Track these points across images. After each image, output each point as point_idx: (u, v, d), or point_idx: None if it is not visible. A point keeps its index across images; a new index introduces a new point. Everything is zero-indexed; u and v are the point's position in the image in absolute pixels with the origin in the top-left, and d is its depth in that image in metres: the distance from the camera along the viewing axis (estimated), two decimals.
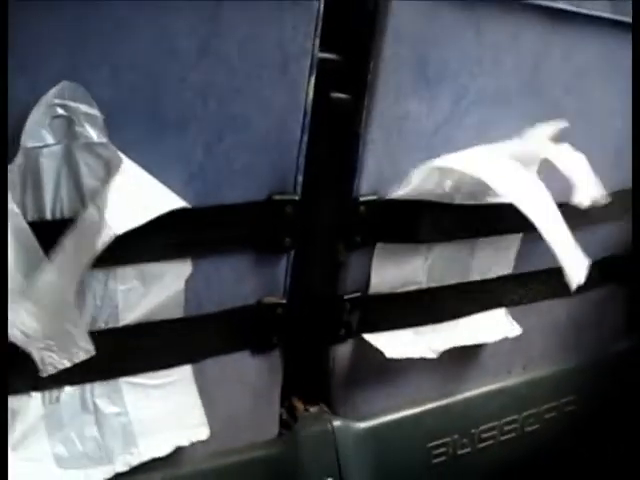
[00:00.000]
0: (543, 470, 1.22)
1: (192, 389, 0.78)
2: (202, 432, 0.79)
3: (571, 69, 0.90)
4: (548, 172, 0.94)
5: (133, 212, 0.64)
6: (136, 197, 0.65)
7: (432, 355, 0.93)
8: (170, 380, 0.77)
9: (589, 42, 0.86)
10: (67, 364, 0.67)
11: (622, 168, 1.04)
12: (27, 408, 0.69)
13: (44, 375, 0.66)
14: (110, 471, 0.72)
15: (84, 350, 0.67)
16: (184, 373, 0.78)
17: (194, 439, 0.78)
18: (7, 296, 0.61)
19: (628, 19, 0.90)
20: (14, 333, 0.63)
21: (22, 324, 0.63)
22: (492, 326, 1.02)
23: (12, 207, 0.60)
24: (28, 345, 0.64)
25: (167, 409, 0.77)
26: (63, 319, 0.65)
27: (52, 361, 0.66)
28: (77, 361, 0.67)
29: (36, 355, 0.65)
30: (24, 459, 0.68)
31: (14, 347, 0.65)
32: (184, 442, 0.77)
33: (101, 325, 0.70)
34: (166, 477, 0.80)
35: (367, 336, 0.90)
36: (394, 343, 0.91)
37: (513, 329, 1.04)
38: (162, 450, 0.76)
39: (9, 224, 0.60)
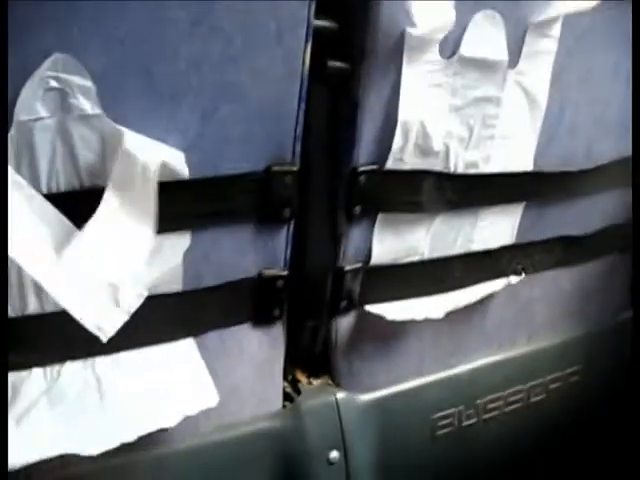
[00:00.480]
0: (549, 440, 1.22)
1: (197, 359, 0.78)
2: (211, 399, 0.77)
3: (573, 33, 0.88)
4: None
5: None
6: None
7: (436, 315, 0.92)
8: (174, 353, 0.77)
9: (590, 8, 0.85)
10: (126, 317, 0.67)
11: (623, 136, 1.03)
12: (28, 383, 0.69)
13: (104, 340, 0.66)
14: (116, 441, 0.72)
15: (136, 294, 0.67)
16: (187, 345, 0.78)
17: (204, 407, 0.77)
18: (7, 293, 0.62)
19: None
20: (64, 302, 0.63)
21: (67, 291, 0.63)
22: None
23: (19, 179, 0.60)
24: (80, 317, 0.64)
25: (172, 380, 0.76)
26: (107, 274, 0.65)
27: (110, 323, 0.66)
28: (133, 310, 0.67)
29: (91, 325, 0.65)
30: (26, 433, 0.68)
31: (14, 323, 0.65)
32: (193, 411, 0.76)
33: None
34: (171, 450, 0.80)
35: (368, 306, 0.90)
36: (396, 308, 0.90)
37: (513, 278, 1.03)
38: (171, 421, 0.74)
39: (23, 200, 0.60)
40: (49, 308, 0.67)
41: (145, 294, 0.68)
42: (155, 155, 0.65)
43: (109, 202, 0.64)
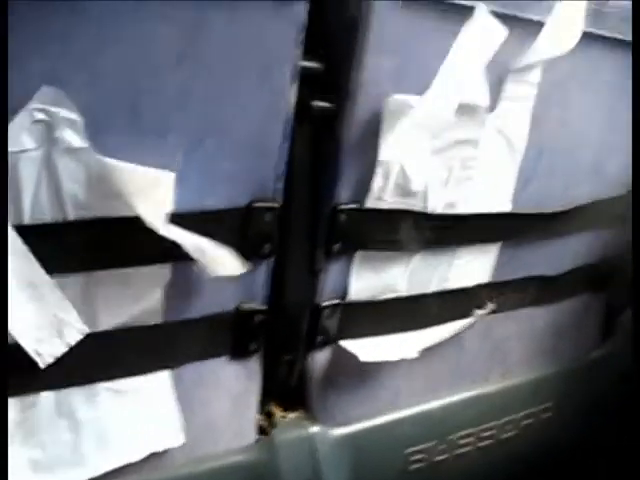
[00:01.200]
0: (520, 477, 1.22)
1: (169, 395, 0.78)
2: (177, 439, 0.79)
3: (551, 79, 0.90)
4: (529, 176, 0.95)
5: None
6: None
7: (410, 355, 0.93)
8: (147, 386, 0.77)
9: (569, 53, 0.86)
10: (64, 348, 0.67)
11: (599, 179, 1.06)
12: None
13: (42, 367, 0.66)
14: (84, 475, 0.72)
15: (77, 330, 0.67)
16: (162, 379, 0.78)
17: (169, 445, 0.78)
18: (7, 297, 0.61)
19: (607, 33, 0.91)
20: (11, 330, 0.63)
21: (16, 319, 0.63)
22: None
23: None
24: (21, 339, 0.64)
25: (143, 415, 0.77)
26: (51, 307, 0.65)
27: (48, 350, 0.66)
28: (73, 343, 0.67)
29: (30, 349, 0.65)
30: None
31: None
32: (159, 448, 0.77)
33: None
34: None
35: (344, 342, 0.91)
36: (370, 347, 0.91)
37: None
38: (136, 455, 0.76)
39: None
40: None
41: (87, 331, 0.68)
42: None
43: None
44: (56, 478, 0.71)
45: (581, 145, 1.02)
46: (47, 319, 0.65)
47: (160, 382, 0.78)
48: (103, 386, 0.74)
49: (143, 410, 0.77)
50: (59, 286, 0.66)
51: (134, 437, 0.76)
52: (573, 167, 1.03)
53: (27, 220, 0.63)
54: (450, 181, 0.88)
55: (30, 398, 0.70)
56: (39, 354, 0.66)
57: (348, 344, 0.90)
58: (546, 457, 1.24)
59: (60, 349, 0.67)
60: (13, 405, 0.69)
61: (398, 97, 0.78)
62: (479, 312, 1.03)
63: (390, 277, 0.90)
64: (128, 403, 0.75)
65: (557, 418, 1.23)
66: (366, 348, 0.91)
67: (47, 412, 0.71)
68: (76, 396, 0.72)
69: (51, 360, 0.67)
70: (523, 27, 0.83)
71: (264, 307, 0.82)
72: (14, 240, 0.61)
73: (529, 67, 0.87)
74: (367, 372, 0.95)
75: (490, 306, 1.05)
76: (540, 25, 0.83)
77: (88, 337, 0.70)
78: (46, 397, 0.71)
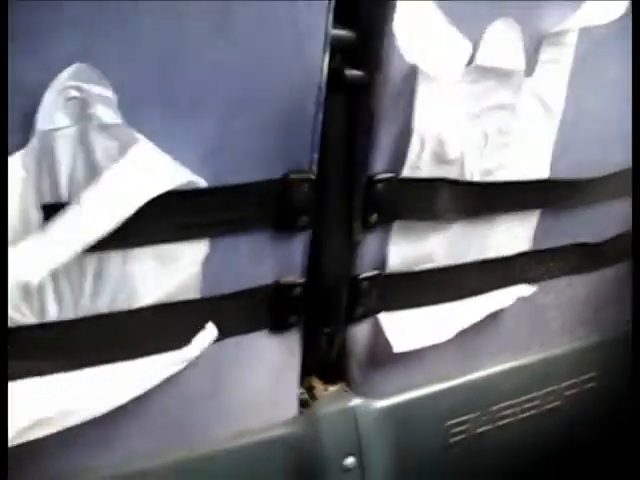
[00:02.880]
0: (564, 448, 1.22)
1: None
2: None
3: (589, 41, 0.88)
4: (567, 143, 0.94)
5: (144, 187, 0.64)
6: (148, 172, 0.65)
7: (445, 338, 0.93)
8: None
9: None
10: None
11: None
12: None
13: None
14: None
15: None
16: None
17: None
18: (7, 295, 0.62)
19: None
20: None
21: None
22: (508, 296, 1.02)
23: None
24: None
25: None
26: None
27: None
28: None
29: None
30: None
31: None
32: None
33: (120, 307, 0.70)
34: (186, 457, 0.81)
35: (382, 320, 0.90)
36: (406, 331, 0.91)
37: (526, 289, 1.03)
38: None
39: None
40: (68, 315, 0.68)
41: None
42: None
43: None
44: None
45: (619, 109, 0.99)
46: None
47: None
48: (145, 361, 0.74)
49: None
50: (97, 264, 0.66)
51: None
52: (612, 132, 1.01)
53: (64, 198, 0.63)
54: (487, 148, 0.86)
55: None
56: None
57: (385, 324, 0.90)
58: (589, 428, 1.23)
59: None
60: None
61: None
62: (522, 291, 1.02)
63: (428, 247, 0.90)
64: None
65: (601, 388, 1.22)
66: (401, 334, 0.90)
67: None
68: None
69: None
70: None
71: (302, 280, 0.82)
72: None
73: (566, 30, 0.85)
74: None
75: (531, 281, 1.04)
76: None
77: (129, 313, 0.71)
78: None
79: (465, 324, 0.95)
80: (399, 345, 0.89)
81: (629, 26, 0.90)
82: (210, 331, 0.76)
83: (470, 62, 0.80)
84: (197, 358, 0.77)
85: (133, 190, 0.63)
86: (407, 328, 0.92)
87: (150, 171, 0.65)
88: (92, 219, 0.62)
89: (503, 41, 0.80)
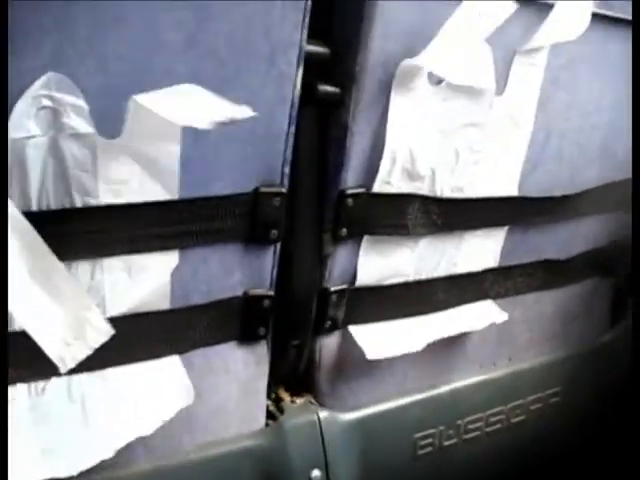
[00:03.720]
0: (529, 461, 1.23)
1: (181, 372, 0.78)
2: (187, 399, 0.77)
3: (558, 61, 0.90)
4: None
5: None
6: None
7: (416, 348, 0.93)
8: (158, 370, 0.77)
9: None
10: (88, 352, 0.65)
11: (607, 162, 1.05)
12: (12, 400, 0.69)
13: (64, 371, 0.65)
14: (94, 459, 0.72)
15: (103, 332, 0.66)
16: (172, 363, 0.78)
17: (179, 407, 0.76)
18: (7, 295, 0.61)
19: (615, 14, 0.91)
20: (29, 328, 0.62)
21: (34, 318, 0.62)
22: (478, 315, 1.03)
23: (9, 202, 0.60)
24: (43, 341, 0.63)
25: (153, 392, 0.76)
26: (77, 306, 0.64)
27: (72, 354, 0.65)
28: (97, 346, 0.66)
29: (54, 353, 0.64)
30: (10, 450, 0.68)
31: None
32: (169, 415, 0.75)
33: None
34: (153, 468, 0.80)
35: (352, 330, 0.91)
36: (377, 341, 0.91)
37: (500, 315, 1.04)
38: (148, 428, 0.74)
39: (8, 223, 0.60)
40: None
41: (112, 332, 0.66)
42: None
43: None
44: (66, 462, 0.71)
45: (589, 128, 1.01)
46: (71, 319, 0.64)
47: (171, 365, 0.77)
48: (113, 371, 0.74)
49: (153, 389, 0.76)
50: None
51: (145, 411, 0.75)
52: (581, 150, 1.02)
53: (34, 206, 0.63)
54: (457, 165, 0.87)
55: (40, 384, 0.70)
56: (62, 359, 0.64)
57: (356, 334, 0.90)
58: (554, 442, 1.24)
59: (84, 352, 0.65)
60: (23, 391, 0.69)
61: (410, 61, 0.77)
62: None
63: (397, 262, 0.90)
64: (139, 384, 0.75)
65: (565, 403, 1.23)
66: (373, 343, 0.91)
67: (57, 398, 0.71)
68: (86, 382, 0.73)
69: (73, 365, 0.65)
70: (534, 9, 0.83)
71: (272, 292, 0.82)
72: (24, 229, 0.61)
73: (535, 50, 0.86)
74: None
75: (498, 297, 1.05)
76: (550, 8, 0.83)
77: None
78: (56, 383, 0.71)
79: (436, 336, 0.96)
80: (372, 353, 0.89)
81: (598, 43, 0.92)
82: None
83: (441, 81, 0.81)
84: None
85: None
86: (378, 338, 0.92)
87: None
88: None
89: (474, 60, 0.81)
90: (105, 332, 0.66)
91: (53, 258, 0.62)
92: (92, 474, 0.73)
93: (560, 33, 0.85)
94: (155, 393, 0.77)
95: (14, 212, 0.60)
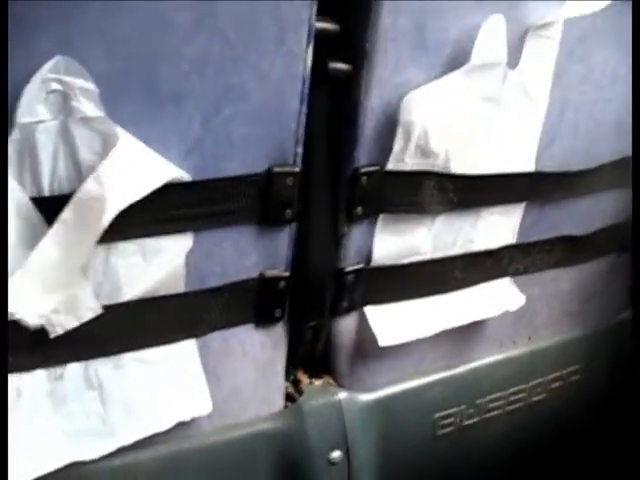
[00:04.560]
0: (550, 440, 1.22)
1: (196, 364, 0.79)
2: (205, 407, 0.79)
3: (574, 35, 0.89)
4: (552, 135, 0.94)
5: (133, 185, 0.64)
6: (135, 170, 0.64)
7: (433, 332, 0.93)
8: (174, 355, 0.77)
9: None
10: (75, 323, 0.68)
11: (623, 136, 1.04)
12: (32, 385, 0.69)
13: (52, 336, 0.67)
14: (113, 444, 0.73)
15: (91, 309, 0.68)
16: (188, 348, 0.78)
17: (196, 414, 0.79)
18: (7, 292, 0.61)
19: None
20: (18, 308, 0.63)
21: (26, 297, 0.63)
22: (494, 299, 1.02)
23: (12, 183, 0.60)
24: (34, 312, 0.64)
25: (170, 384, 0.77)
26: (69, 286, 0.66)
27: (60, 322, 0.67)
28: (85, 320, 0.68)
29: (43, 319, 0.65)
30: (31, 434, 0.69)
31: (18, 326, 0.65)
32: (186, 417, 0.78)
33: (103, 301, 0.70)
34: (172, 451, 0.81)
35: (368, 313, 0.90)
36: (391, 325, 0.91)
37: (516, 300, 1.03)
38: (164, 424, 0.76)
39: (10, 200, 0.60)
40: None
41: (100, 311, 0.69)
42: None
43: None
44: (86, 447, 0.72)
45: (604, 101, 1.00)
46: (63, 295, 0.66)
47: (186, 351, 0.78)
48: (129, 356, 0.74)
49: (170, 379, 0.77)
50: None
51: (161, 406, 0.77)
52: (597, 124, 1.01)
53: (46, 191, 0.63)
54: (472, 141, 0.86)
55: (58, 369, 0.70)
56: (52, 324, 0.67)
57: (371, 318, 0.90)
58: (575, 420, 1.24)
59: (71, 323, 0.68)
60: (42, 376, 0.70)
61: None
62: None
63: (414, 240, 0.90)
64: (155, 373, 0.76)
65: (585, 381, 1.23)
66: (387, 327, 0.91)
67: (75, 383, 0.72)
68: (103, 367, 0.73)
69: (61, 332, 0.68)
70: None
71: (287, 273, 0.82)
72: (31, 214, 0.62)
73: (550, 23, 0.85)
74: None
75: (517, 274, 1.04)
76: None
77: (112, 307, 0.70)
78: (73, 368, 0.72)
79: (453, 323, 0.96)
80: (384, 339, 0.89)
81: (613, 17, 0.90)
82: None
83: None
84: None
85: (122, 189, 0.63)
86: (393, 322, 0.92)
87: (138, 169, 0.64)
88: (85, 219, 0.63)
89: (487, 34, 0.80)
90: (94, 309, 0.69)
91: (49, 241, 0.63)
92: (112, 458, 0.74)
93: (577, 7, 0.84)
94: (173, 393, 0.78)
95: (13, 186, 0.61)
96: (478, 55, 0.79)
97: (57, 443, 0.71)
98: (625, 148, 1.05)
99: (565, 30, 0.87)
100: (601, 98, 0.99)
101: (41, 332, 0.67)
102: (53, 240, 0.62)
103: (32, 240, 0.62)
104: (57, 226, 0.62)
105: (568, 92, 0.94)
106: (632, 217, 0.99)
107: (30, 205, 0.62)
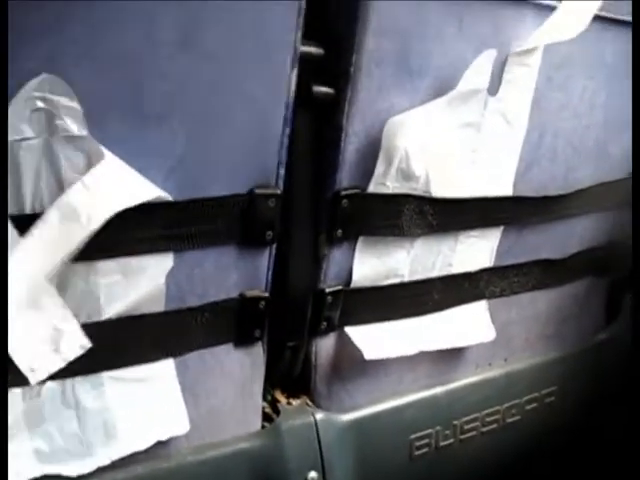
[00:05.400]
0: (525, 461, 1.23)
1: (174, 383, 0.78)
2: (182, 427, 0.79)
3: (553, 62, 0.90)
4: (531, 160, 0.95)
5: (113, 200, 0.64)
6: (114, 188, 0.64)
7: (411, 352, 0.94)
8: (152, 374, 0.77)
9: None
10: (62, 364, 0.66)
11: (601, 162, 1.05)
12: (9, 404, 0.68)
13: (33, 383, 0.65)
14: (91, 465, 0.72)
15: (78, 344, 0.67)
16: (166, 367, 0.78)
17: (174, 433, 0.79)
18: (7, 297, 0.61)
19: (609, 14, 0.91)
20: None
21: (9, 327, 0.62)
22: (470, 327, 1.03)
23: None
24: (14, 353, 0.63)
25: (148, 403, 0.77)
26: (54, 317, 0.65)
27: (44, 366, 0.66)
28: (72, 358, 0.66)
29: (24, 365, 0.64)
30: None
31: None
32: (163, 437, 0.78)
33: (83, 319, 0.69)
34: (150, 470, 0.80)
35: (349, 331, 0.91)
36: (374, 341, 0.91)
37: (489, 332, 1.05)
38: (141, 444, 0.76)
39: None
40: None
41: (88, 346, 0.68)
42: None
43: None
44: (62, 468, 0.71)
45: (583, 128, 1.01)
46: (45, 331, 0.65)
47: (164, 370, 0.78)
48: (108, 375, 0.74)
49: (148, 398, 0.77)
50: (61, 275, 0.66)
51: (139, 426, 0.76)
52: (575, 150, 1.02)
53: (28, 209, 0.63)
54: (452, 165, 0.87)
55: (35, 388, 0.70)
56: (32, 370, 0.65)
57: (353, 335, 0.91)
58: (550, 441, 1.25)
59: (56, 365, 0.66)
60: (18, 395, 0.69)
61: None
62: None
63: (393, 262, 0.90)
64: (133, 392, 0.75)
65: (561, 402, 1.23)
66: (370, 343, 0.91)
67: (52, 402, 0.71)
68: (81, 385, 0.72)
69: (44, 377, 0.66)
70: (530, 9, 0.83)
71: (267, 294, 0.82)
72: (14, 238, 0.61)
73: (530, 50, 0.86)
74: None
75: (493, 296, 1.05)
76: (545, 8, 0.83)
77: (92, 326, 0.70)
78: (51, 387, 0.71)
79: (429, 347, 0.97)
80: (370, 353, 0.90)
81: (592, 43, 0.92)
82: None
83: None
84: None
85: (98, 206, 0.63)
86: (375, 339, 0.92)
87: (116, 187, 0.64)
88: (58, 237, 0.62)
89: (478, 66, 0.82)
90: (81, 345, 0.67)
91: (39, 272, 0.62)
92: (90, 478, 0.73)
93: (556, 34, 0.85)
94: (150, 412, 0.78)
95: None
96: (465, 84, 0.81)
97: (31, 464, 0.70)
98: (603, 174, 1.07)
99: (544, 57, 0.89)
100: (579, 125, 1.01)
101: None
102: (24, 258, 0.62)
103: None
104: (27, 244, 0.62)
105: (547, 118, 0.95)
106: (632, 217, 0.99)
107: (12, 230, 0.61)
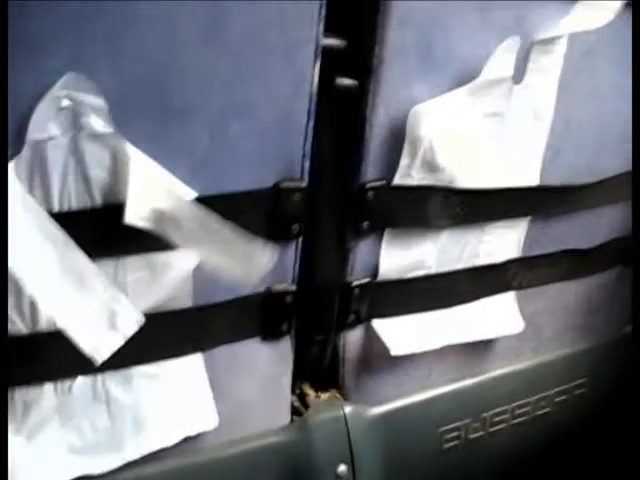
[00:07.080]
0: (555, 453, 1.22)
1: (202, 378, 0.79)
2: (211, 421, 0.80)
3: (577, 49, 0.89)
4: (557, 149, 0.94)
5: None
6: (148, 191, 0.65)
7: (439, 345, 0.93)
8: (181, 369, 0.77)
9: None
10: (122, 341, 0.66)
11: (626, 150, 1.04)
12: (40, 399, 0.69)
13: (99, 363, 0.65)
14: (121, 459, 0.73)
15: (134, 320, 0.67)
16: (195, 362, 0.78)
17: (203, 429, 0.79)
18: (7, 296, 0.62)
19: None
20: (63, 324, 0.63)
21: (67, 314, 0.63)
22: (498, 319, 1.03)
23: (28, 198, 0.60)
24: (75, 334, 0.64)
25: (177, 398, 0.77)
26: (107, 299, 0.65)
27: (106, 343, 0.66)
28: (130, 334, 0.66)
29: (87, 345, 0.64)
30: (38, 448, 0.69)
31: (26, 340, 0.66)
32: (192, 432, 0.78)
33: None
34: (179, 465, 0.80)
35: (375, 326, 0.91)
36: (401, 336, 0.91)
37: (517, 325, 1.05)
38: (171, 439, 0.77)
39: (29, 217, 0.60)
40: None
41: (142, 320, 0.68)
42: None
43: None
44: (93, 462, 0.72)
45: (609, 116, 1.00)
46: (100, 311, 0.65)
47: (193, 365, 0.78)
48: (137, 370, 0.74)
49: (177, 393, 0.77)
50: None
51: (169, 421, 0.77)
52: (601, 139, 1.01)
53: (56, 207, 0.64)
54: (478, 155, 0.87)
55: (66, 383, 0.70)
56: (96, 350, 0.65)
57: (380, 330, 0.90)
58: (580, 433, 1.24)
59: (118, 342, 0.66)
60: (50, 390, 0.69)
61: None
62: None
63: (419, 254, 0.90)
64: (162, 387, 0.76)
65: (591, 394, 1.22)
66: (397, 338, 0.91)
67: (83, 397, 0.72)
68: (111, 381, 0.73)
69: (108, 355, 0.66)
70: None
71: (294, 288, 0.82)
72: (52, 228, 0.62)
73: (554, 38, 0.85)
74: None
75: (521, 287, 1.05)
76: None
77: None
78: (81, 382, 0.71)
79: (457, 339, 0.97)
80: (396, 348, 0.89)
81: (618, 31, 0.90)
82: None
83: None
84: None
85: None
86: (402, 333, 0.92)
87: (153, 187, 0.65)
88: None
89: (501, 54, 0.81)
90: (136, 320, 0.67)
91: (81, 255, 0.63)
92: (119, 473, 0.74)
93: (583, 23, 0.84)
94: (179, 407, 0.78)
95: (42, 214, 0.61)
96: (488, 72, 0.80)
97: (64, 458, 0.71)
98: (630, 163, 1.06)
99: (570, 44, 0.88)
100: (605, 112, 0.99)
101: (49, 344, 0.67)
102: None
103: (57, 254, 0.62)
104: None
105: (572, 106, 0.94)
106: (633, 219, 0.99)
107: (50, 220, 0.62)
